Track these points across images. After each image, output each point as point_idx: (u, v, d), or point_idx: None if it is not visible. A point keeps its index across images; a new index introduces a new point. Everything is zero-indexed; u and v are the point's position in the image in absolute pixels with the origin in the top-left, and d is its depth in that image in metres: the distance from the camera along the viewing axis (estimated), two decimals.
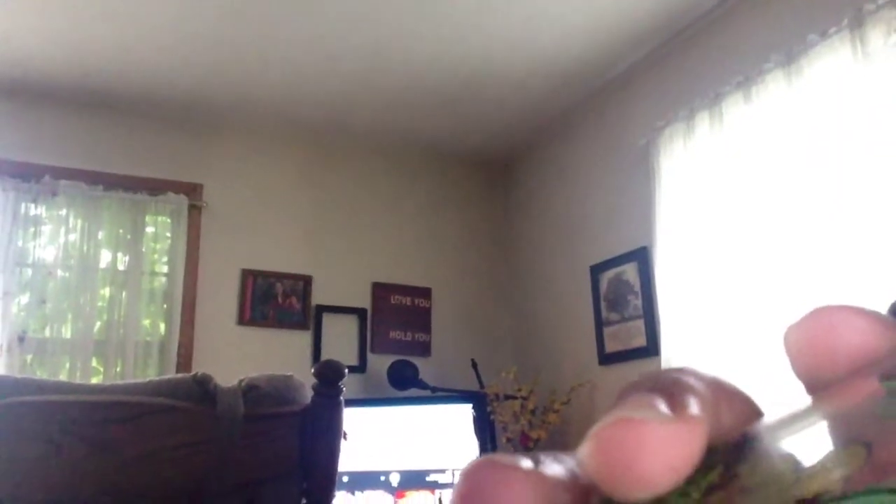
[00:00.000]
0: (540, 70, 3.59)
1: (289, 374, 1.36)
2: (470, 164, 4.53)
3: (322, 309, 3.94)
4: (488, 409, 3.45)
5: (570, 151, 4.06)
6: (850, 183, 2.43)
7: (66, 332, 3.48)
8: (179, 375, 1.32)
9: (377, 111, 3.93)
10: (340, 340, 3.92)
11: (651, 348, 3.32)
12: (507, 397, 3.58)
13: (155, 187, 3.76)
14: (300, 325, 3.87)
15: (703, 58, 3.21)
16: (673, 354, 3.11)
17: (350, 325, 4.01)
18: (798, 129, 2.64)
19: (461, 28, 3.22)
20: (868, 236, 2.37)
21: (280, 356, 3.68)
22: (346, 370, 1.33)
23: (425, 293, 4.19)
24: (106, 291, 3.62)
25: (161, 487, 1.20)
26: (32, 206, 3.58)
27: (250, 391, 1.29)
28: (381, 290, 4.10)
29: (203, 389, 1.29)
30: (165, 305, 3.69)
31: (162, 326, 3.66)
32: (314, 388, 1.35)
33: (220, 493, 1.19)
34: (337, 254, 4.09)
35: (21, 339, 3.40)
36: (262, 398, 1.31)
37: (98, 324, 3.56)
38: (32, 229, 3.57)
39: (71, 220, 3.62)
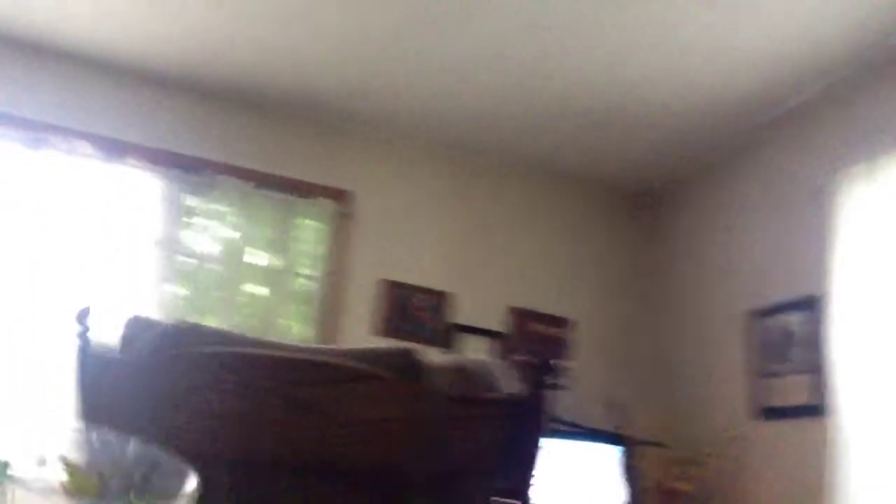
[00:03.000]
0: (700, 100, 3.42)
1: (495, 359, 1.25)
2: (617, 193, 4.37)
3: (457, 327, 3.85)
4: (634, 455, 3.23)
5: (732, 186, 3.83)
6: None
7: (214, 323, 3.52)
8: (383, 346, 1.24)
9: (527, 133, 3.86)
10: None
11: (818, 406, 3.02)
12: (650, 443, 3.34)
13: (307, 190, 3.80)
14: (435, 341, 3.78)
15: (889, 96, 2.95)
16: (848, 415, 2.81)
17: (484, 347, 3.89)
18: None
19: (618, 52, 3.11)
20: None
21: None
22: (555, 365, 1.21)
23: (563, 323, 4.03)
24: (253, 287, 3.66)
25: (360, 458, 1.11)
26: (191, 197, 3.69)
27: (458, 371, 1.19)
28: (518, 315, 3.97)
29: (408, 363, 1.20)
30: (308, 308, 3.69)
31: (302, 327, 3.66)
32: (524, 377, 1.24)
33: (419, 476, 1.09)
34: (476, 273, 4.00)
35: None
36: (469, 380, 1.21)
37: (243, 317, 3.60)
38: (191, 220, 3.67)
39: (226, 215, 3.70)
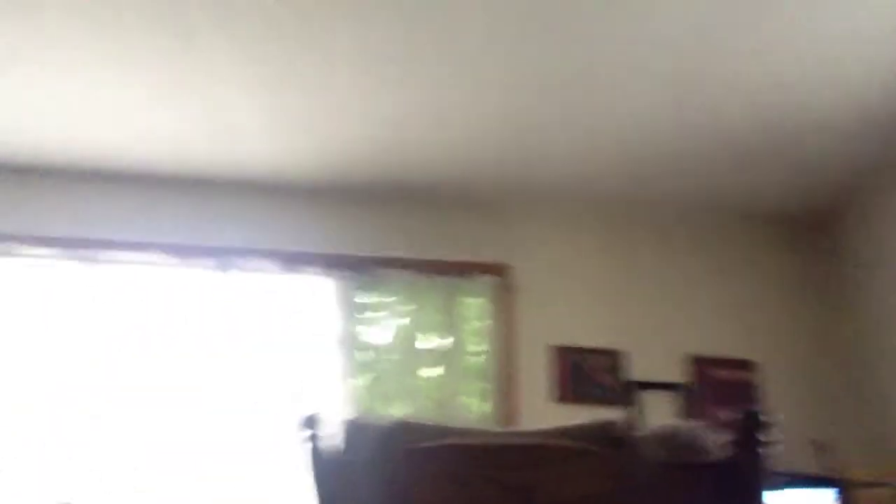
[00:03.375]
0: (855, 110, 3.27)
1: (704, 424, 1.25)
2: (786, 223, 4.18)
3: (636, 384, 3.78)
4: (850, 498, 3.00)
5: None
6: None
7: (399, 409, 3.67)
8: (585, 421, 1.28)
9: (684, 174, 3.81)
10: (659, 417, 3.70)
11: None
12: (870, 484, 3.09)
13: (468, 270, 3.93)
14: (615, 401, 3.73)
15: None
16: None
17: (666, 401, 3.78)
18: None
19: (779, 76, 3.03)
20: None
21: None
22: (772, 421, 1.20)
23: (749, 365, 3.85)
24: (431, 371, 3.80)
25: None
26: (361, 293, 3.91)
27: (669, 437, 1.21)
28: (698, 364, 3.85)
29: (615, 434, 1.22)
30: (484, 384, 3.77)
31: (483, 405, 3.74)
32: (735, 439, 1.23)
33: None
34: (647, 326, 3.94)
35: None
36: (681, 446, 1.21)
37: (425, 402, 3.72)
38: (365, 316, 3.88)
39: (398, 305, 3.89)
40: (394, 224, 4.03)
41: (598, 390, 3.76)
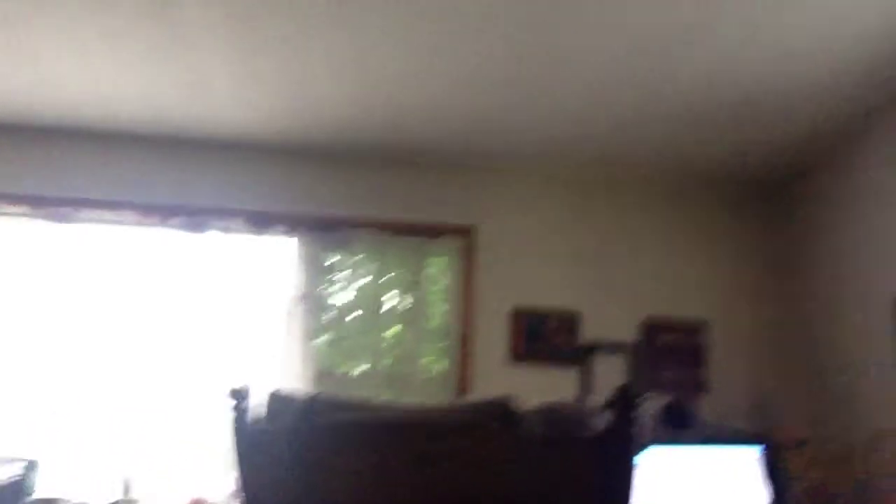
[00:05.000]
0: (820, 85, 3.33)
1: (588, 398, 1.37)
2: (746, 186, 4.29)
3: (591, 346, 3.93)
4: (777, 455, 3.18)
5: (862, 170, 3.68)
6: None
7: (359, 369, 3.83)
8: (480, 398, 1.41)
9: (648, 142, 3.90)
10: (609, 378, 3.87)
11: None
12: (799, 443, 3.28)
13: (434, 231, 4.04)
14: (569, 361, 3.89)
15: None
16: None
17: (619, 362, 3.95)
18: None
19: (739, 42, 3.09)
20: None
21: (550, 393, 3.70)
22: (643, 396, 1.32)
23: (700, 328, 4.01)
24: (392, 331, 3.94)
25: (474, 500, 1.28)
26: (332, 254, 4.03)
27: (550, 414, 1.34)
28: (652, 326, 4.01)
29: (505, 411, 1.35)
30: (444, 343, 3.92)
31: (441, 363, 3.89)
32: (611, 413, 1.36)
33: None
34: (606, 288, 4.08)
35: (322, 375, 3.81)
36: (562, 422, 1.34)
37: (386, 360, 3.88)
38: (331, 276, 4.01)
39: (363, 265, 4.01)
40: (360, 184, 4.12)
41: (554, 351, 3.92)
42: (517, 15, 2.94)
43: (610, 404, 1.35)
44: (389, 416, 1.41)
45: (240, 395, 1.59)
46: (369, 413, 1.43)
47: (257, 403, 1.54)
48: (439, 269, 4.09)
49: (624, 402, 1.34)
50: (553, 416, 1.33)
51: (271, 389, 1.52)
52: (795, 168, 4.11)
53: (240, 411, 1.55)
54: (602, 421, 1.35)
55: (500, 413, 1.34)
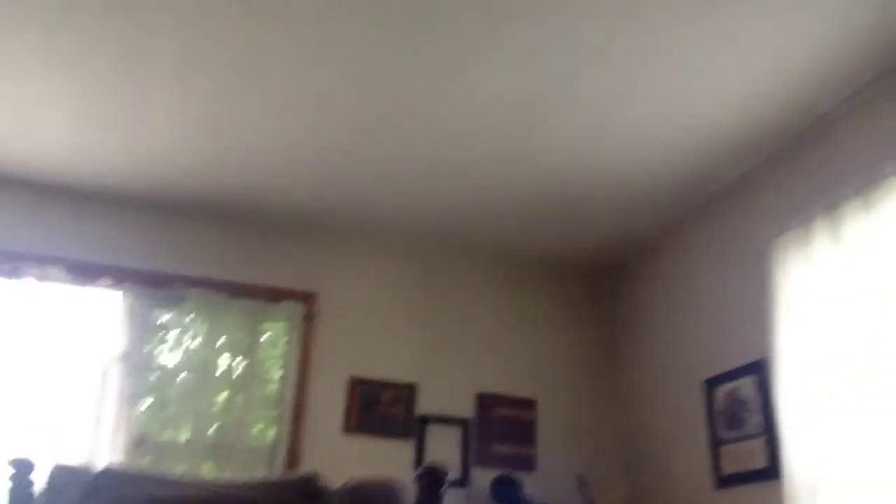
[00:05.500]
0: (650, 178, 3.60)
1: (393, 477, 1.36)
2: (579, 274, 4.52)
3: (426, 419, 3.93)
4: None
5: (682, 260, 3.99)
6: None
7: (183, 436, 3.60)
8: (288, 475, 1.35)
9: (489, 222, 4.03)
10: (443, 452, 3.88)
11: (773, 470, 3.10)
12: None
13: (274, 295, 3.94)
14: (404, 434, 3.86)
15: (820, 163, 3.13)
16: (798, 477, 2.88)
17: (454, 436, 3.96)
18: None
19: (575, 137, 3.29)
20: None
21: (384, 465, 3.65)
22: (449, 475, 1.32)
23: (531, 405, 4.12)
24: (223, 396, 3.75)
25: None
26: (162, 312, 3.82)
27: (356, 492, 1.30)
28: (485, 401, 4.06)
29: (311, 489, 1.31)
30: (277, 411, 3.78)
31: (272, 431, 3.74)
32: (417, 492, 1.34)
33: None
34: (443, 363, 4.11)
35: (140, 442, 3.54)
36: (367, 500, 1.31)
37: (213, 428, 3.67)
38: (160, 335, 3.79)
39: (195, 326, 3.83)
40: (197, 241, 3.97)
41: (388, 423, 3.87)
42: (366, 87, 3.00)
43: (417, 482, 1.34)
44: (187, 494, 1.32)
45: (22, 466, 1.44)
46: (165, 489, 1.33)
47: (37, 478, 1.40)
48: (276, 334, 3.98)
49: (430, 480, 1.33)
50: (360, 494, 1.30)
51: (55, 462, 1.39)
52: (621, 257, 4.40)
53: (20, 483, 1.40)
54: (409, 499, 1.34)
55: (306, 490, 1.29)
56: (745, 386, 3.37)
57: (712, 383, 3.56)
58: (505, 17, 2.60)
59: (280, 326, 3.97)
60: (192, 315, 3.84)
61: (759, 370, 3.28)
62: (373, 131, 3.29)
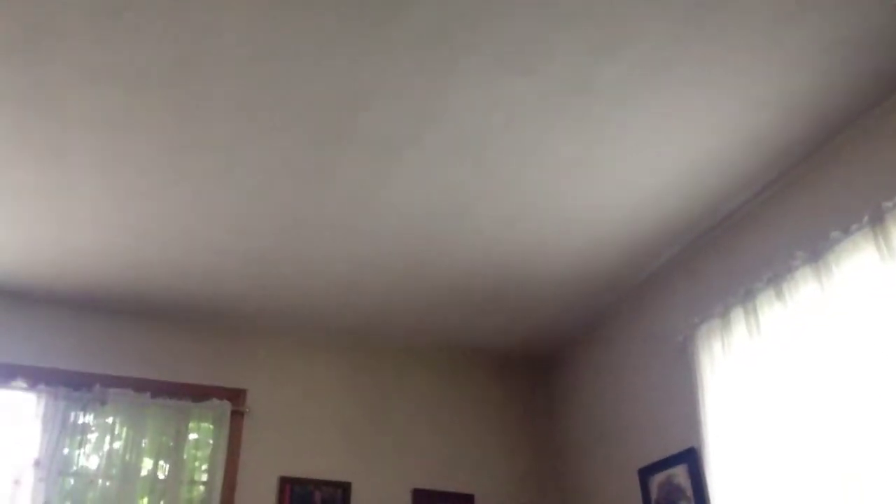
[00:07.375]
0: (576, 271, 3.67)
1: None
2: (511, 365, 4.52)
3: None
4: None
5: (610, 350, 4.03)
6: (887, 380, 2.34)
7: None
8: None
9: (416, 315, 4.02)
10: None
11: None
12: None
13: (199, 394, 3.82)
14: None
15: (734, 254, 3.24)
16: None
17: None
18: (829, 326, 2.59)
19: (499, 233, 3.35)
20: None
21: None
22: None
23: (468, 500, 4.02)
24: (145, 501, 3.57)
25: None
26: (81, 414, 3.65)
27: None
28: (421, 497, 3.96)
29: None
30: None
31: None
32: None
33: None
34: (377, 459, 4.01)
35: None
36: None
37: None
38: (79, 438, 3.61)
39: (117, 427, 3.67)
40: (118, 340, 3.85)
41: None
42: (286, 185, 3.01)
43: None
44: None
45: None
46: None
47: None
48: (203, 435, 3.83)
49: None
50: None
51: None
52: (554, 348, 4.43)
53: None
54: None
55: None
56: (679, 474, 3.37)
57: (646, 472, 3.55)
58: (427, 118, 2.68)
59: (206, 427, 3.83)
60: (113, 417, 3.68)
61: (691, 458, 3.29)
62: (298, 230, 3.29)
